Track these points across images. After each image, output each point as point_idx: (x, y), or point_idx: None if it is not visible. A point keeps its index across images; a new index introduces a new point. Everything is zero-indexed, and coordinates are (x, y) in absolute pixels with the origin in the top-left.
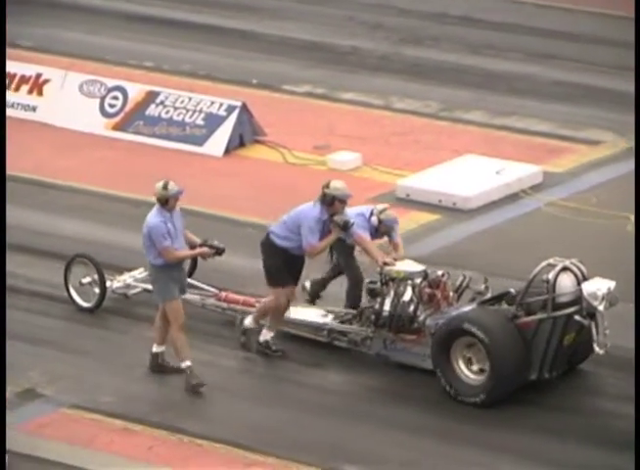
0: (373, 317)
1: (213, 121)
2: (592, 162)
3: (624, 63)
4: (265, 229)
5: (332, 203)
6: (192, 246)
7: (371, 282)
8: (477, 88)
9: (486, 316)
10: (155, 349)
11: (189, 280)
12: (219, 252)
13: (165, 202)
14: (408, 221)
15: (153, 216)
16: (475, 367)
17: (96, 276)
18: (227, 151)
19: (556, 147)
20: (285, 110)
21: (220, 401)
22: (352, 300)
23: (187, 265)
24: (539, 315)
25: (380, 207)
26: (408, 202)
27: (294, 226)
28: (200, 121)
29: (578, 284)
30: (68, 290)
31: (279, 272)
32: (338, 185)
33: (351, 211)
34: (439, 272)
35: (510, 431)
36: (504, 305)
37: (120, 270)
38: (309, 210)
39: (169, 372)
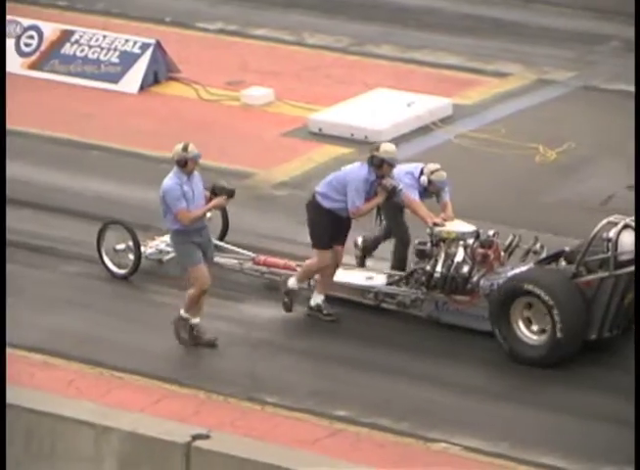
0: (424, 279)
1: (128, 59)
2: (501, 93)
3: None
4: None
5: (380, 165)
6: None
7: (420, 243)
8: (386, 23)
9: (548, 276)
10: (183, 314)
11: (222, 244)
12: (231, 194)
13: (184, 164)
14: (321, 155)
15: (169, 179)
16: (535, 327)
17: (130, 242)
18: (142, 88)
19: (465, 80)
20: (198, 47)
21: (140, 334)
22: (399, 260)
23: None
24: (601, 274)
25: (431, 166)
26: (321, 136)
27: (340, 186)
28: (114, 59)
29: None
30: (101, 257)
31: (324, 234)
32: (388, 148)
33: (401, 169)
34: (491, 232)
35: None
36: (561, 264)
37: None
38: (357, 170)
39: (206, 345)
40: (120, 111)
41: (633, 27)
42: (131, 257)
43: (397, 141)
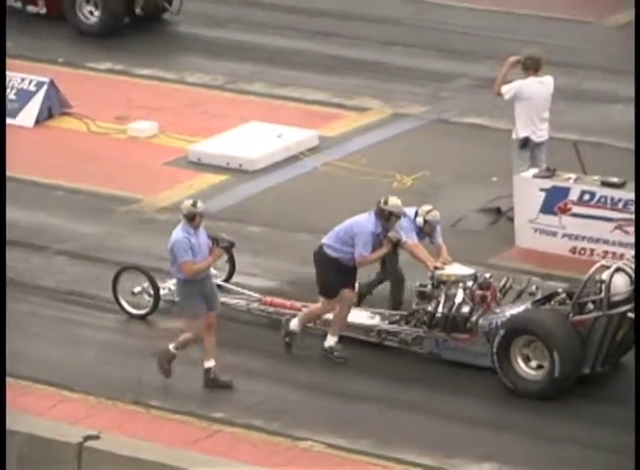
0: (426, 318)
1: (24, 96)
2: (361, 126)
3: (388, 38)
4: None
5: (388, 218)
6: None
7: (421, 285)
8: (257, 63)
9: (545, 316)
10: (206, 364)
11: (229, 285)
12: (231, 245)
13: (192, 218)
14: (200, 182)
15: (178, 232)
16: (533, 363)
17: (146, 284)
18: (37, 122)
19: (329, 114)
20: (88, 85)
21: (38, 345)
22: (396, 301)
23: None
24: (595, 313)
25: (425, 207)
26: (199, 165)
27: (346, 237)
28: (12, 96)
29: (631, 283)
30: (117, 299)
31: (333, 284)
32: (396, 202)
33: None
34: (487, 275)
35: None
36: (555, 304)
37: None
38: (365, 222)
39: (222, 387)
40: (18, 143)
41: (482, 66)
42: (147, 298)
43: (269, 169)
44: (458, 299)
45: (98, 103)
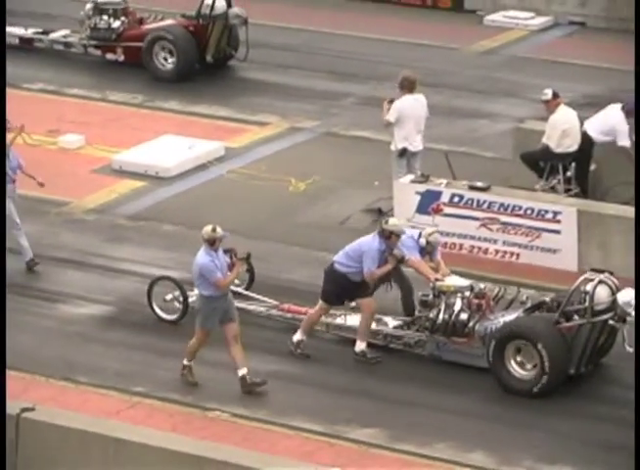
0: (428, 324)
1: None
2: (262, 139)
3: (285, 62)
4: None
5: (389, 236)
6: None
7: (423, 295)
8: (171, 83)
9: (536, 323)
10: (239, 372)
11: (248, 293)
12: (248, 258)
13: (213, 242)
14: (122, 188)
15: (202, 256)
16: (524, 365)
17: (177, 293)
18: None
19: (234, 128)
20: (24, 103)
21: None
22: (408, 306)
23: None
24: (580, 321)
25: (428, 230)
26: (121, 172)
27: (355, 255)
28: None
29: (612, 294)
30: (151, 305)
31: (333, 293)
32: (396, 222)
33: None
34: (482, 285)
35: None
36: (543, 312)
37: None
38: (371, 241)
39: (259, 388)
40: None
41: (365, 86)
42: (177, 305)
43: (181, 176)
44: (457, 307)
45: (32, 119)
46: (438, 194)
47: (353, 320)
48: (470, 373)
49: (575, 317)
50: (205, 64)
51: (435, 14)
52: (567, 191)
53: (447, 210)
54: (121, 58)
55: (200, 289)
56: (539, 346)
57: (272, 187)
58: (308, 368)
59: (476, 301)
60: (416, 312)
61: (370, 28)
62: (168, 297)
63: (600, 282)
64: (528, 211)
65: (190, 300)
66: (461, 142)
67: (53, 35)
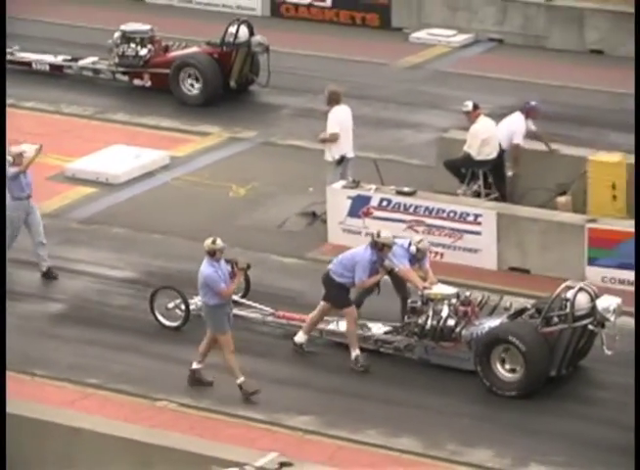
0: (417, 330)
1: None
2: (204, 148)
3: None
4: None
5: (382, 248)
6: None
7: (412, 302)
8: (119, 98)
9: (520, 328)
10: (194, 365)
11: (245, 301)
12: (248, 267)
13: (213, 253)
14: (74, 194)
15: (205, 267)
16: (509, 367)
17: (179, 300)
18: None
19: (179, 138)
20: None
21: None
22: (404, 314)
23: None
24: (561, 326)
25: (416, 238)
26: (74, 179)
27: (349, 264)
28: None
29: (592, 301)
30: (154, 313)
31: (343, 297)
32: (386, 235)
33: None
34: (467, 293)
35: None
36: (526, 318)
37: None
38: (363, 252)
39: (205, 385)
40: None
41: (300, 99)
42: (179, 312)
43: (129, 183)
44: (444, 313)
45: None
46: (368, 199)
47: (344, 326)
48: (401, 364)
49: (557, 323)
50: (228, 89)
51: (365, 31)
52: (487, 195)
53: (376, 213)
54: (148, 83)
55: (205, 299)
56: (523, 349)
57: (214, 193)
58: (249, 361)
59: (462, 307)
60: (405, 318)
61: (304, 45)
62: (170, 305)
63: (580, 289)
64: (451, 214)
65: (191, 307)
66: (388, 150)
67: (82, 62)
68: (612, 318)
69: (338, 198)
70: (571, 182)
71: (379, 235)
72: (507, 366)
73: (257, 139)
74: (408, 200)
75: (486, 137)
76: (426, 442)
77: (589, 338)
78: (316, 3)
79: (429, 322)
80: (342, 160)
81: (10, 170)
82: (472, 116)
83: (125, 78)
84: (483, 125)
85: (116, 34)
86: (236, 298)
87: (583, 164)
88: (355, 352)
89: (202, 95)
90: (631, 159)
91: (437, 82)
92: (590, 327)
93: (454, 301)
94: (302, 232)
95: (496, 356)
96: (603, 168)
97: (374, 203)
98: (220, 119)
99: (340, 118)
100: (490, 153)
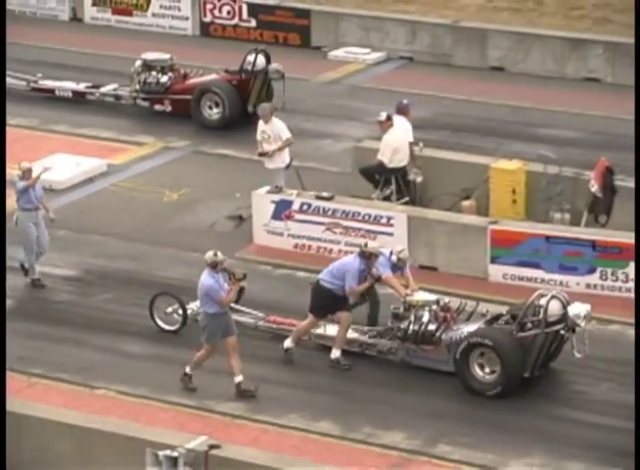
0: (399, 334)
1: None
2: (140, 156)
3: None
4: None
5: (369, 257)
6: None
7: (395, 308)
8: (61, 109)
9: (496, 333)
10: (236, 379)
11: (238, 306)
12: (244, 276)
13: (215, 265)
14: None
15: (206, 278)
16: (486, 369)
17: (176, 306)
18: None
19: (116, 147)
20: None
21: None
22: (372, 318)
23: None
24: (535, 331)
25: (398, 248)
26: None
27: (338, 274)
28: None
29: (563, 307)
30: (153, 318)
31: (321, 307)
32: (374, 245)
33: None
34: (446, 299)
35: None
36: (502, 324)
37: None
38: (352, 262)
39: (251, 395)
40: None
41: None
42: (177, 317)
43: (71, 188)
44: (425, 319)
45: None
46: (290, 203)
47: (332, 330)
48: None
49: (530, 327)
50: (246, 113)
51: (287, 50)
52: (398, 199)
53: (298, 216)
54: (169, 109)
55: (205, 308)
56: (499, 353)
57: (149, 198)
58: (183, 351)
59: (441, 313)
60: (388, 323)
61: (231, 63)
62: (169, 310)
63: (553, 297)
64: (366, 217)
65: (188, 312)
66: (309, 158)
67: (103, 89)
68: (582, 324)
69: (262, 202)
70: (475, 187)
71: (366, 245)
72: (484, 368)
73: (189, 148)
74: (327, 204)
75: (397, 146)
76: (343, 425)
77: (560, 342)
78: (242, 24)
79: (411, 327)
80: (289, 165)
81: (20, 184)
82: (384, 126)
83: (146, 104)
84: (395, 135)
85: (138, 63)
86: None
87: (486, 171)
88: (337, 353)
89: (221, 119)
90: (529, 166)
91: (353, 96)
92: (562, 332)
93: (434, 307)
94: (230, 233)
95: (474, 359)
96: (504, 175)
97: (295, 207)
98: (155, 130)
99: (279, 132)
100: (401, 160)
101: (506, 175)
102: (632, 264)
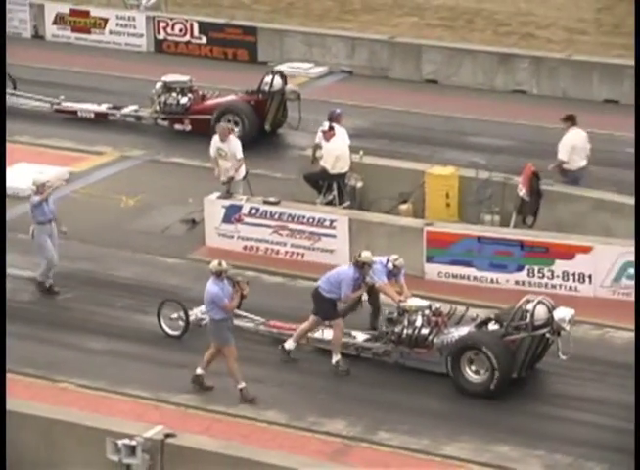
0: (394, 337)
1: None
2: (99, 165)
3: (118, 103)
4: None
5: (362, 266)
6: None
7: (389, 313)
8: (26, 121)
9: (486, 336)
10: (198, 371)
11: (239, 312)
12: (247, 284)
13: (220, 274)
14: None
15: (212, 286)
16: (477, 370)
17: (181, 313)
18: None
19: (77, 156)
20: None
21: None
22: (374, 322)
23: None
24: (522, 334)
25: (394, 256)
26: None
27: (335, 282)
28: None
29: (549, 312)
30: (160, 324)
31: (329, 310)
32: (367, 254)
33: (374, 260)
34: (438, 305)
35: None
36: (492, 327)
37: None
38: (347, 270)
39: (205, 390)
40: None
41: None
42: (181, 323)
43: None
44: (418, 323)
45: None
46: (240, 207)
47: (328, 334)
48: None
49: (518, 331)
50: (263, 132)
51: (235, 65)
52: (340, 203)
53: (247, 220)
54: (188, 128)
55: (212, 314)
56: (489, 355)
57: (107, 203)
58: (141, 346)
59: (433, 318)
60: (382, 328)
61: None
62: (174, 316)
63: (539, 302)
64: (310, 220)
65: (191, 318)
66: (257, 166)
67: (124, 110)
68: (567, 327)
69: (213, 207)
70: (412, 192)
71: (360, 255)
72: (475, 369)
73: (145, 157)
74: (274, 208)
75: (339, 154)
76: (289, 414)
77: (545, 345)
78: (193, 41)
79: (405, 331)
80: (245, 176)
81: (34, 198)
82: (327, 135)
83: (166, 124)
84: (337, 144)
85: (158, 85)
86: None
87: (421, 177)
88: (337, 358)
89: (241, 138)
90: (462, 172)
91: (298, 107)
92: (547, 335)
93: (427, 312)
94: (183, 236)
95: (465, 361)
96: (438, 180)
97: (244, 211)
98: (112, 140)
99: (239, 147)
100: (343, 167)
101: (440, 180)
102: (558, 262)
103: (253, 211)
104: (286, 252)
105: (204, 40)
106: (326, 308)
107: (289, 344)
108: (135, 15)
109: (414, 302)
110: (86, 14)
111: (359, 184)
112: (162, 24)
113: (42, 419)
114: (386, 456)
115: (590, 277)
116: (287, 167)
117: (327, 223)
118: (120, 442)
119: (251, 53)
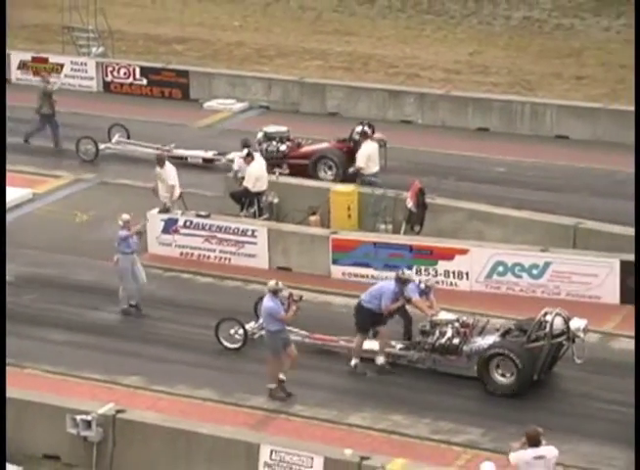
0: (427, 347)
1: None
2: (57, 186)
3: (82, 133)
4: None
5: (404, 282)
6: None
7: (422, 326)
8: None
9: (512, 344)
10: (272, 386)
11: (290, 328)
12: (300, 298)
13: (275, 292)
14: None
15: (268, 302)
16: (504, 374)
17: (238, 327)
18: None
19: (38, 179)
20: None
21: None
22: (407, 333)
23: None
24: (542, 342)
25: (424, 278)
26: None
27: (377, 295)
28: None
29: (565, 322)
30: (219, 339)
31: (365, 324)
32: (409, 273)
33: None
34: (464, 318)
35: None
36: (515, 336)
37: None
38: (389, 285)
39: (288, 396)
40: None
41: (131, 147)
42: (238, 337)
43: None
44: (449, 334)
45: None
46: (176, 220)
47: (369, 345)
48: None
49: (539, 339)
50: (347, 174)
51: (171, 102)
52: (260, 216)
53: (182, 230)
54: (286, 172)
55: (269, 327)
56: (514, 360)
57: (65, 218)
58: (95, 337)
59: (462, 329)
60: (417, 338)
61: (129, 114)
62: (232, 331)
63: (557, 314)
64: (236, 230)
65: (248, 332)
66: (191, 185)
67: (229, 156)
68: (582, 335)
69: (154, 220)
70: (319, 206)
71: (403, 273)
72: (502, 373)
73: (95, 179)
74: (205, 220)
75: (259, 175)
76: (220, 392)
77: (561, 351)
78: (135, 82)
79: (438, 341)
80: (180, 195)
81: (121, 233)
82: (247, 161)
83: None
84: (255, 167)
85: (260, 134)
86: None
87: (327, 193)
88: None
89: (334, 179)
90: (360, 189)
91: (223, 137)
92: (564, 343)
93: (456, 324)
94: None
95: (493, 365)
96: (341, 196)
97: (180, 223)
98: (68, 166)
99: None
100: (262, 186)
101: (343, 196)
102: (440, 262)
103: (188, 224)
104: (215, 257)
105: (144, 82)
106: (362, 318)
107: (353, 361)
108: (87, 61)
109: (444, 315)
110: (45, 60)
111: (275, 200)
112: (110, 69)
113: (19, 401)
114: (299, 425)
115: (467, 274)
116: (215, 186)
117: (249, 233)
118: (78, 417)
119: (184, 92)
